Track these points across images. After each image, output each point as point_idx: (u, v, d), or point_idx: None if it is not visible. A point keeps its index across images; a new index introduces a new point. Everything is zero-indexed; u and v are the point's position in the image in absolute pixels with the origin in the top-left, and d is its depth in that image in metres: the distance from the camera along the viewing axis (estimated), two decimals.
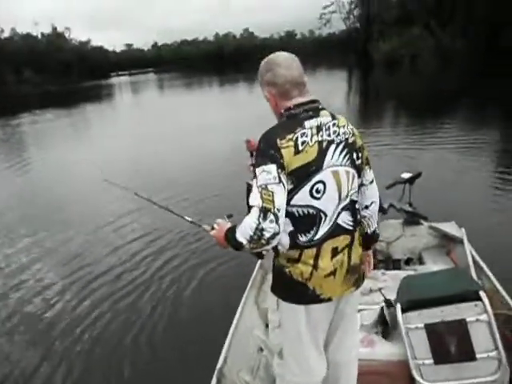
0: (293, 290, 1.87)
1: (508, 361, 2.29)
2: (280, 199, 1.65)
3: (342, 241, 1.86)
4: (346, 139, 1.83)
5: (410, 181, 4.14)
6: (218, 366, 2.50)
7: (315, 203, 1.77)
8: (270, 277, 3.47)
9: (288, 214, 1.73)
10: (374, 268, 3.51)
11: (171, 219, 6.43)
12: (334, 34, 66.26)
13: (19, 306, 4.66)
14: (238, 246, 1.72)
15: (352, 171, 1.85)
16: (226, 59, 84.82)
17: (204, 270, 4.98)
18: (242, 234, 1.69)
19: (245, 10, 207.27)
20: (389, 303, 2.88)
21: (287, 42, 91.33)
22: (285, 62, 1.82)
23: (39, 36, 78.08)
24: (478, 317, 2.27)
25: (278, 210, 1.64)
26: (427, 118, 13.83)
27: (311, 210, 1.77)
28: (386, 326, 2.79)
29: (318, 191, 1.76)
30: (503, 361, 2.28)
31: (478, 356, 2.28)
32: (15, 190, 9.87)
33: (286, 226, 1.74)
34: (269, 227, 1.63)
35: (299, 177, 1.72)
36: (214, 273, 4.90)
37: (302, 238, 1.80)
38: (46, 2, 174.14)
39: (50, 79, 61.73)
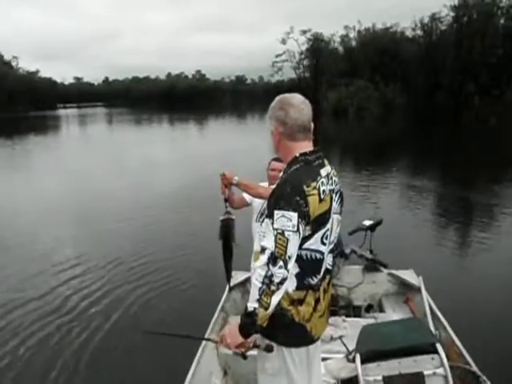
0: (293, 333, 1.87)
1: None
2: (293, 248, 1.69)
3: (327, 281, 1.95)
4: (340, 188, 1.94)
5: (372, 228, 4.25)
6: None
7: (322, 248, 1.84)
8: (231, 320, 3.47)
9: (297, 258, 1.75)
10: (335, 314, 3.63)
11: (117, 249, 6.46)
12: (283, 81, 68.95)
13: None
14: (252, 320, 1.72)
15: (340, 218, 1.96)
16: (177, 98, 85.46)
17: (161, 312, 4.71)
18: (252, 298, 1.70)
19: (197, 53, 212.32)
20: (349, 353, 2.87)
21: (238, 86, 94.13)
22: (298, 105, 1.85)
23: None
24: (434, 370, 2.29)
25: (289, 257, 1.68)
26: (374, 164, 14.45)
27: (318, 255, 1.83)
28: (345, 377, 2.75)
29: (326, 237, 1.84)
30: None
31: None
32: None
33: (292, 268, 1.75)
34: (278, 272, 1.67)
35: (318, 224, 1.77)
36: (172, 316, 4.60)
37: (311, 281, 1.84)
38: None
39: None
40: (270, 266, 1.66)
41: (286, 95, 1.91)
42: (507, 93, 37.22)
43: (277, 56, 57.58)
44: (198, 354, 2.88)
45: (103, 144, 24.80)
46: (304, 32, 55.00)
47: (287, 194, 1.70)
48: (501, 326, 4.20)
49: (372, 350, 2.44)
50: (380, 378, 2.33)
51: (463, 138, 21.17)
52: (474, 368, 2.57)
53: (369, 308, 4.03)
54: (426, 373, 2.28)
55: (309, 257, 1.80)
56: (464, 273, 5.68)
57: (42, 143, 25.87)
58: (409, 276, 3.97)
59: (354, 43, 53.82)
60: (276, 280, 1.66)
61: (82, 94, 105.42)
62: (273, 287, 1.67)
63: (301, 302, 1.83)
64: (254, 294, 1.69)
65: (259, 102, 60.49)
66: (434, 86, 40.90)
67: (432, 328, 3.12)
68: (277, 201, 1.72)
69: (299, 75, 59.05)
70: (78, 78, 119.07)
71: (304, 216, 1.69)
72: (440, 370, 2.28)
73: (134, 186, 12.02)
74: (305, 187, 1.71)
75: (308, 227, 1.74)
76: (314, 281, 1.84)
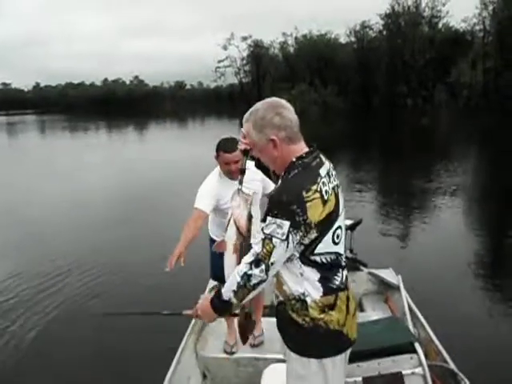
0: (330, 342, 1.77)
1: None
2: (278, 255, 1.65)
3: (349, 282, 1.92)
4: (338, 182, 1.85)
5: (352, 227, 4.22)
6: None
7: (335, 248, 1.76)
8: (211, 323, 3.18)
9: (313, 264, 1.71)
10: None
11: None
12: (222, 86, 69.49)
13: None
14: (225, 305, 1.72)
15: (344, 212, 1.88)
16: (115, 104, 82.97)
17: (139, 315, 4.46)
18: (229, 287, 1.69)
19: (133, 58, 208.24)
20: None
21: (177, 91, 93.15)
22: (288, 106, 1.77)
23: None
24: (413, 370, 2.32)
25: (272, 263, 1.64)
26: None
27: (333, 256, 1.75)
28: None
29: (338, 236, 1.75)
30: None
31: None
32: None
33: (313, 275, 1.71)
34: (257, 275, 1.64)
35: (325, 226, 1.69)
36: (151, 317, 4.19)
37: (336, 282, 1.77)
38: None
39: None
40: (253, 267, 1.64)
41: (273, 99, 1.79)
42: (434, 94, 40.23)
43: (219, 62, 58.47)
44: (176, 358, 2.76)
45: (33, 152, 23.11)
46: (244, 38, 56.48)
47: (283, 202, 1.63)
48: (478, 321, 4.19)
49: (351, 351, 2.37)
50: (360, 379, 2.34)
51: (400, 137, 22.19)
52: (452, 366, 2.59)
53: None
54: (404, 372, 2.32)
55: (324, 260, 1.73)
56: (441, 266, 5.63)
57: None
58: (388, 275, 4.00)
59: (292, 49, 55.12)
60: (253, 281, 1.65)
61: (10, 101, 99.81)
62: (249, 286, 1.66)
63: (331, 307, 1.75)
64: (233, 283, 1.68)
65: (199, 108, 60.38)
66: (369, 88, 43.06)
67: (411, 327, 3.13)
68: (271, 208, 1.66)
69: (240, 80, 59.66)
70: (5, 84, 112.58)
71: (299, 225, 1.62)
72: (418, 370, 2.32)
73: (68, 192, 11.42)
74: (304, 193, 1.62)
75: (314, 230, 1.65)
76: (339, 281, 1.77)
